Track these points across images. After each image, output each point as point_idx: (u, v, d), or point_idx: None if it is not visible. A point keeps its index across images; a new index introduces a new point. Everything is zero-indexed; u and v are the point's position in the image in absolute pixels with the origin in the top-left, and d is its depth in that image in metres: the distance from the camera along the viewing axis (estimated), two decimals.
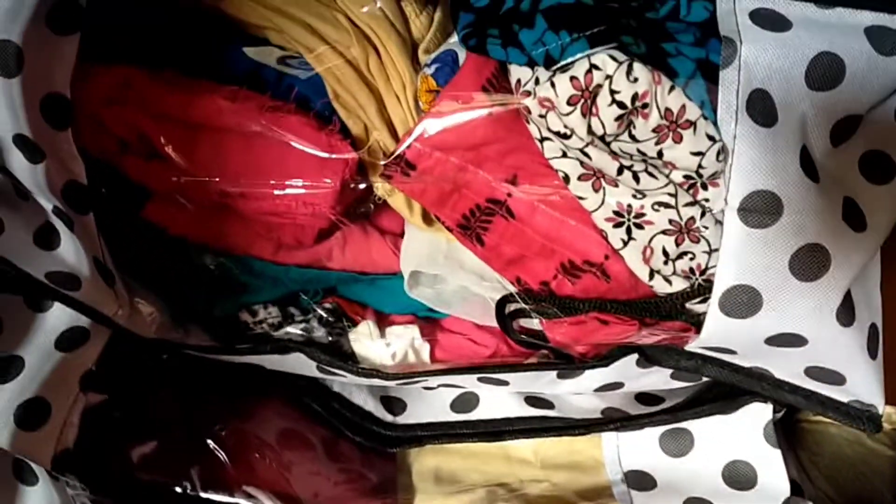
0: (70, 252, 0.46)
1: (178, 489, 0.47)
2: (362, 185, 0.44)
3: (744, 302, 0.41)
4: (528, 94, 0.40)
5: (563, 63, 0.38)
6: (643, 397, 0.55)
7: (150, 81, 0.43)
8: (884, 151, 0.41)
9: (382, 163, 0.43)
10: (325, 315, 0.50)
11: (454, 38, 0.44)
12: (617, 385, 0.50)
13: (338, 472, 0.51)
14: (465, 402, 0.54)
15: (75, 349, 0.49)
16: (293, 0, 0.44)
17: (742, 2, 0.39)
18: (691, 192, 0.42)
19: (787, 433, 0.59)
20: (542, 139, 0.41)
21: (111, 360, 0.48)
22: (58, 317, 0.50)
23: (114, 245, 0.46)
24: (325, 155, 0.42)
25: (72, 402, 0.47)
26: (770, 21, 0.39)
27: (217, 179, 0.43)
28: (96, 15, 0.41)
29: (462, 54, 0.43)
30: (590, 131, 0.40)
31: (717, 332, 0.42)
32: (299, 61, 0.44)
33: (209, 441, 0.48)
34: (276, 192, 0.43)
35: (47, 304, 0.50)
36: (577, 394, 0.53)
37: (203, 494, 0.47)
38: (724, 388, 0.50)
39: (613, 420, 0.51)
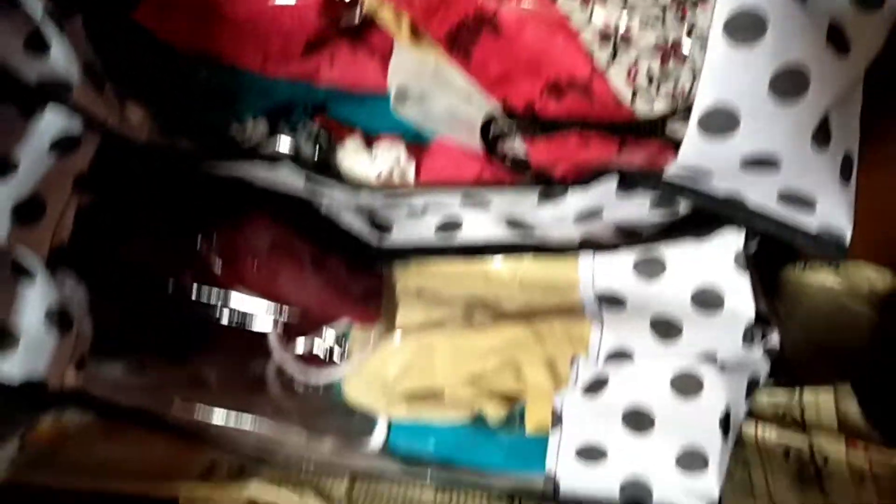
0: (60, 57, 0.46)
1: (171, 285, 0.49)
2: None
3: (722, 121, 0.41)
4: None
5: None
6: (622, 228, 0.56)
7: None
8: None
9: None
10: (312, 131, 0.51)
11: None
12: (597, 212, 0.52)
13: (325, 283, 0.53)
14: (449, 224, 0.55)
15: (68, 154, 0.50)
16: None
17: None
18: (680, 12, 0.42)
19: (767, 287, 0.61)
20: None
21: (104, 166, 0.49)
22: (51, 123, 0.50)
23: (103, 49, 0.47)
24: None
25: (66, 201, 0.48)
26: None
27: None
28: None
29: None
30: None
31: (695, 151, 0.43)
32: None
33: (200, 241, 0.50)
34: None
35: (40, 114, 0.51)
36: (558, 221, 0.55)
37: (194, 290, 0.50)
38: (698, 217, 0.51)
39: (588, 243, 0.53)
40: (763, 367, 0.57)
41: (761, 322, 0.55)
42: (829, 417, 0.67)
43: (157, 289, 0.50)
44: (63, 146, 0.50)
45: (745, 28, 0.39)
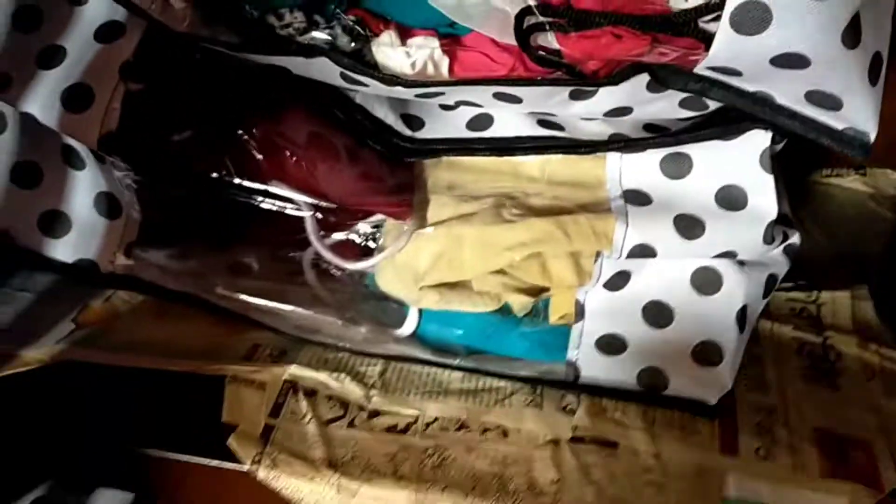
0: None
1: (214, 174, 0.52)
2: None
3: (754, 17, 0.42)
4: None
5: None
6: (650, 127, 0.57)
7: None
8: None
9: None
10: (347, 24, 0.52)
11: None
12: (626, 110, 0.53)
13: (359, 174, 0.55)
14: (481, 121, 0.57)
15: (113, 40, 0.51)
16: None
17: None
18: None
19: (792, 191, 0.62)
20: None
21: (148, 54, 0.51)
22: (96, 9, 0.52)
23: None
24: None
25: (113, 88, 0.50)
26: None
27: None
28: None
29: None
30: None
31: (726, 49, 0.44)
32: None
33: (241, 133, 0.52)
34: None
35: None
36: (588, 118, 0.56)
37: (236, 180, 0.52)
38: (726, 116, 0.52)
39: (616, 140, 0.54)
40: (782, 266, 0.59)
41: (783, 222, 0.57)
42: (845, 317, 0.68)
43: (200, 176, 0.52)
44: (108, 33, 0.52)
45: None
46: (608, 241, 0.52)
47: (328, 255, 0.56)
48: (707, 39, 0.45)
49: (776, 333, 0.66)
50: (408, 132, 0.58)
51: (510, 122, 0.56)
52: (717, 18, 0.44)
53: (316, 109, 0.56)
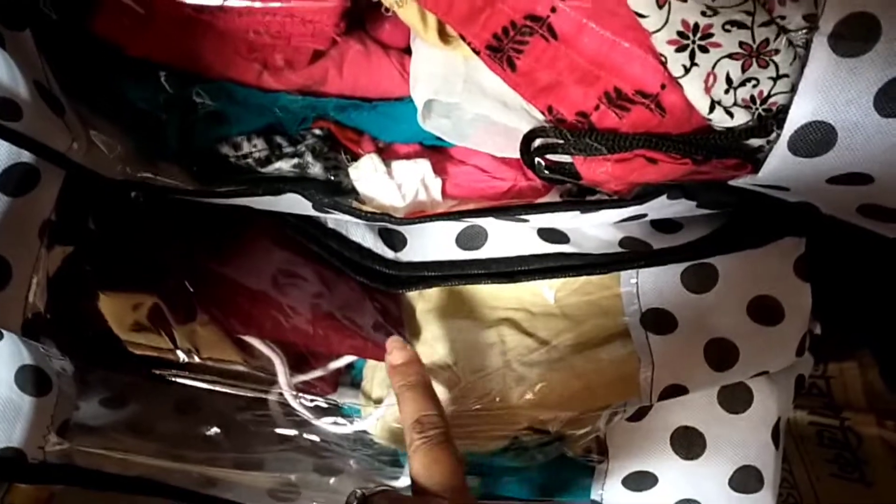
0: (1, 68, 0.37)
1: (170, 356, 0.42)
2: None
3: (816, 140, 0.36)
4: None
5: None
6: (661, 223, 0.51)
7: None
8: None
9: None
10: (317, 145, 0.43)
11: None
12: (641, 216, 0.46)
13: (339, 312, 0.47)
14: (472, 236, 0.49)
15: (26, 192, 0.41)
16: None
17: None
18: (768, 5, 0.36)
19: None
20: None
21: (74, 207, 0.41)
22: None
23: (60, 67, 0.38)
24: None
25: (34, 259, 0.40)
26: None
27: None
28: None
29: None
30: None
31: (779, 171, 0.38)
32: None
33: (196, 298, 0.42)
34: (265, 4, 0.35)
35: None
36: (596, 227, 0.49)
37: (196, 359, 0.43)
38: (751, 220, 0.46)
39: (634, 257, 0.48)
40: (809, 363, 0.54)
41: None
42: (856, 391, 0.65)
43: (148, 361, 0.42)
44: (18, 181, 0.41)
45: (854, 36, 0.33)
46: (635, 386, 0.46)
47: (304, 413, 0.47)
48: (754, 157, 0.39)
49: (794, 420, 0.62)
50: (390, 254, 0.49)
51: (507, 236, 0.48)
52: (765, 134, 0.38)
53: (281, 241, 0.47)
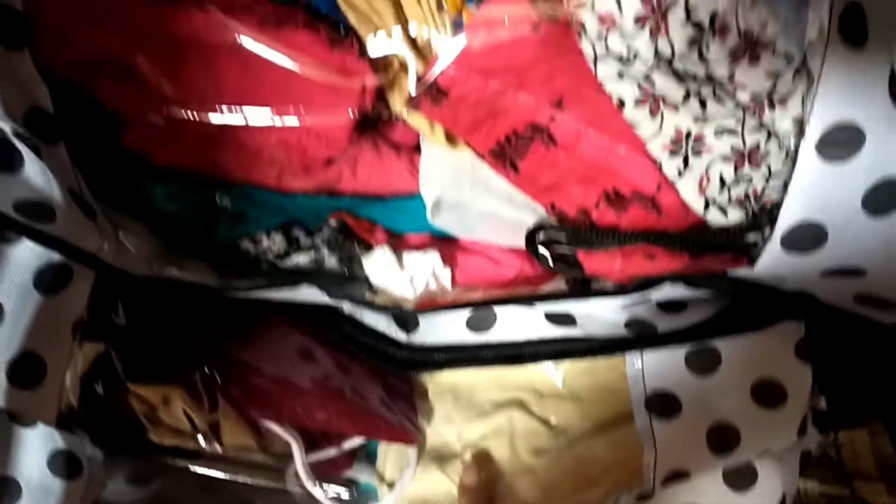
0: (37, 175, 0.40)
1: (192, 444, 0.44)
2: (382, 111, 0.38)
3: (808, 238, 0.37)
4: (584, 2, 0.34)
5: None
6: (666, 305, 0.52)
7: None
8: None
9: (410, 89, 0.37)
10: (332, 237, 0.46)
11: None
12: (643, 301, 0.48)
13: (353, 396, 0.48)
14: (482, 319, 0.51)
15: (59, 290, 0.43)
16: None
17: None
18: (758, 112, 0.38)
19: None
20: (596, 59, 0.36)
21: (106, 305, 0.43)
22: (30, 249, 0.44)
23: (91, 176, 0.40)
24: (341, 80, 0.36)
25: (68, 356, 0.42)
26: None
27: (209, 109, 0.37)
28: None
29: None
30: (656, 54, 0.34)
31: (773, 265, 0.39)
32: None
33: (218, 386, 0.44)
34: (282, 121, 0.37)
35: (15, 236, 0.44)
36: (601, 309, 0.51)
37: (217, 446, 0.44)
38: (755, 310, 0.47)
39: (638, 340, 0.49)
40: (814, 438, 0.54)
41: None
42: (867, 458, 0.65)
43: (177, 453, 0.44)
44: (52, 280, 0.43)
45: (840, 143, 0.35)
46: (638, 471, 0.47)
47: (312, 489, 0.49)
48: (750, 251, 0.41)
49: (804, 491, 0.62)
50: (402, 337, 0.51)
51: (516, 319, 0.50)
52: (761, 230, 0.40)
53: (297, 325, 0.49)
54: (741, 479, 0.51)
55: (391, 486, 0.50)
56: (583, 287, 0.47)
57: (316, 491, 0.48)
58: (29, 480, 0.47)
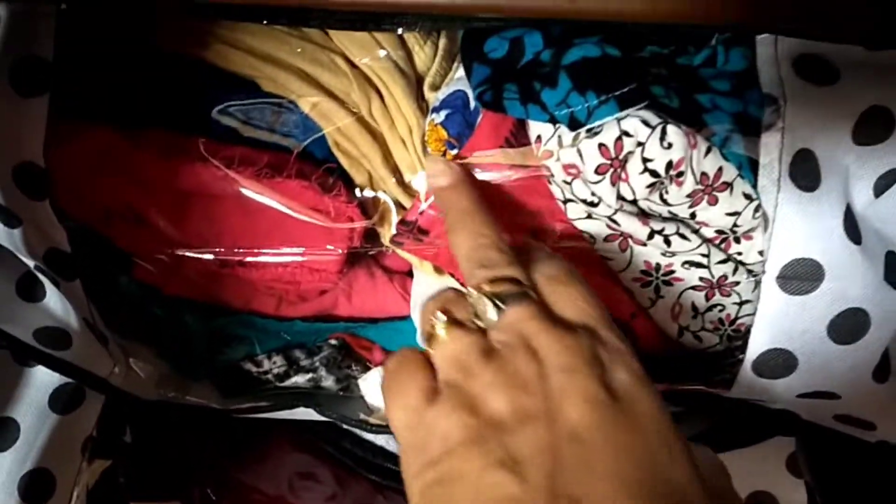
0: (57, 304, 0.43)
1: None
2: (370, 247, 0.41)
3: (778, 364, 0.39)
4: (551, 153, 0.37)
5: (588, 127, 0.35)
6: None
7: (133, 148, 0.38)
8: None
9: (392, 229, 0.40)
10: (332, 356, 0.48)
11: (461, 71, 0.41)
12: None
13: None
14: None
15: (72, 410, 0.46)
16: (285, 45, 0.39)
17: (785, 47, 0.35)
18: (723, 245, 0.40)
19: None
20: (566, 201, 0.38)
21: (111, 423, 0.46)
22: (48, 372, 0.47)
23: (104, 306, 0.44)
24: (330, 224, 0.39)
25: (76, 473, 0.44)
26: (816, 71, 0.35)
27: (213, 251, 0.40)
28: (70, 71, 0.37)
29: (472, 94, 0.39)
30: (619, 197, 0.37)
31: (749, 390, 0.41)
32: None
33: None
34: (278, 260, 0.40)
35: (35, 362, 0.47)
36: None
37: None
38: (746, 426, 0.48)
39: None
40: None
41: None
42: None
43: None
44: (66, 400, 0.46)
45: (800, 277, 0.37)
46: None
47: None
48: (725, 376, 0.42)
49: None
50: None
51: None
52: (733, 355, 0.42)
53: (299, 443, 0.51)
54: None
55: None
56: None
57: None
58: None
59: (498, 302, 0.30)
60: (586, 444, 0.25)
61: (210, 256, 0.40)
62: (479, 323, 0.30)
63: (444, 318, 0.30)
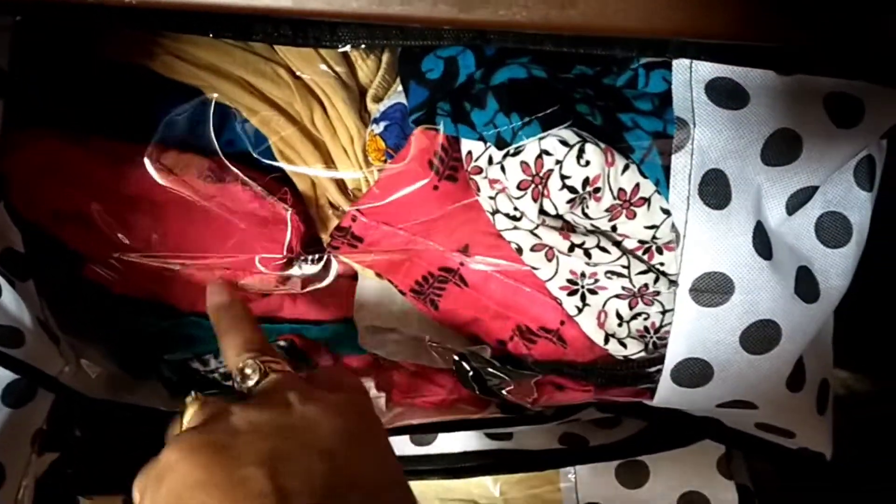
0: (12, 304, 0.44)
1: None
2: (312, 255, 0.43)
3: (695, 373, 0.41)
4: (479, 170, 0.39)
5: (514, 146, 0.37)
6: (601, 421, 0.55)
7: (81, 154, 0.40)
8: (840, 213, 0.40)
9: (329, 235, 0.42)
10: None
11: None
12: (574, 420, 0.51)
13: None
14: (424, 435, 0.54)
15: (24, 404, 0.48)
16: (228, 56, 0.41)
17: (698, 72, 0.37)
18: (646, 256, 0.42)
19: None
20: (494, 212, 0.40)
21: (63, 419, 0.47)
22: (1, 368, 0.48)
23: (56, 306, 0.45)
24: (270, 226, 0.41)
25: (26, 464, 0.46)
26: (727, 95, 0.37)
27: (156, 253, 0.42)
28: (22, 80, 0.39)
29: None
30: (541, 212, 0.39)
31: (669, 398, 0.43)
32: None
33: None
34: (221, 262, 0.42)
35: None
36: (534, 427, 0.54)
37: None
38: (677, 430, 0.50)
39: (569, 455, 0.52)
40: None
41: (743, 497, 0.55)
42: None
43: None
44: (18, 395, 0.48)
45: (711, 290, 0.38)
46: None
47: None
48: (650, 385, 0.44)
49: None
50: None
51: (455, 434, 0.54)
52: (659, 364, 0.43)
53: None
54: None
55: None
56: (515, 410, 0.50)
57: None
58: None
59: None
60: None
61: (154, 259, 0.42)
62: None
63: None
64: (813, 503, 0.63)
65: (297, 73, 0.42)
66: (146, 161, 0.40)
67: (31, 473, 0.46)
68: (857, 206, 0.40)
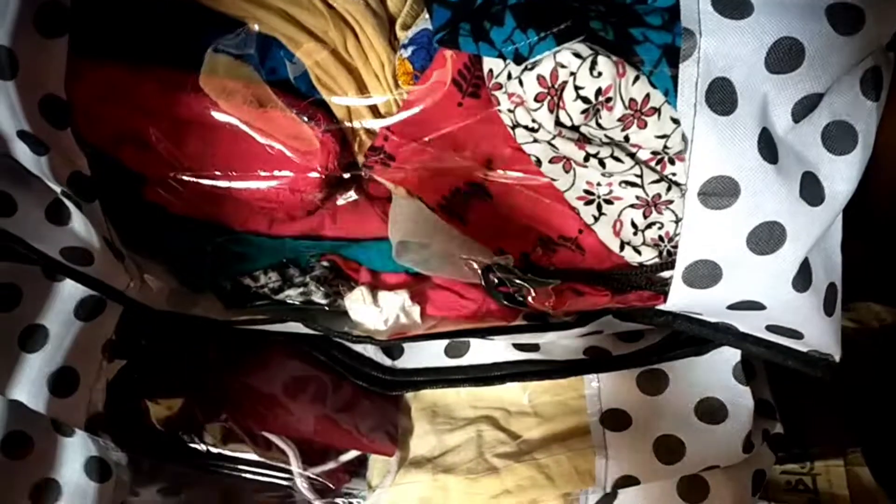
0: (81, 227, 0.49)
1: (198, 446, 0.53)
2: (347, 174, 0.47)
3: (705, 275, 0.43)
4: (500, 86, 0.42)
5: (531, 61, 0.40)
6: (623, 335, 0.59)
7: (137, 82, 0.44)
8: (847, 122, 0.42)
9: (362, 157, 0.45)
10: (323, 276, 0.54)
11: None
12: (598, 332, 0.54)
13: (343, 415, 0.56)
14: (457, 347, 0.58)
15: (94, 318, 0.53)
16: None
17: None
18: (659, 166, 0.44)
19: None
20: (514, 126, 0.43)
21: (130, 329, 0.53)
22: (74, 285, 0.54)
23: (120, 226, 0.50)
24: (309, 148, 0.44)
25: (97, 369, 0.51)
26: (732, 6, 0.39)
27: (207, 173, 0.46)
28: (83, 13, 0.43)
29: None
30: (558, 123, 0.42)
31: (682, 300, 0.45)
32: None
33: (223, 400, 0.53)
34: (265, 183, 0.46)
35: (63, 277, 0.54)
36: (562, 338, 0.57)
37: (220, 450, 0.53)
38: (695, 338, 0.53)
39: (593, 364, 0.56)
40: (768, 459, 0.59)
41: (764, 411, 0.57)
42: (841, 487, 0.68)
43: (189, 452, 0.53)
44: (88, 310, 0.53)
45: (718, 194, 0.41)
46: (591, 477, 0.53)
47: (311, 496, 0.57)
48: (664, 289, 0.47)
49: None
50: (388, 362, 0.59)
51: (486, 347, 0.57)
52: (671, 268, 0.46)
53: (292, 351, 0.57)
54: (694, 491, 0.56)
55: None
56: (540, 319, 0.53)
57: (305, 489, 0.56)
58: (68, 482, 0.56)
59: None
60: None
61: (206, 179, 0.46)
62: None
63: None
64: None
65: (330, 2, 0.45)
66: (196, 87, 0.44)
67: (102, 378, 0.52)
68: (864, 116, 0.42)
